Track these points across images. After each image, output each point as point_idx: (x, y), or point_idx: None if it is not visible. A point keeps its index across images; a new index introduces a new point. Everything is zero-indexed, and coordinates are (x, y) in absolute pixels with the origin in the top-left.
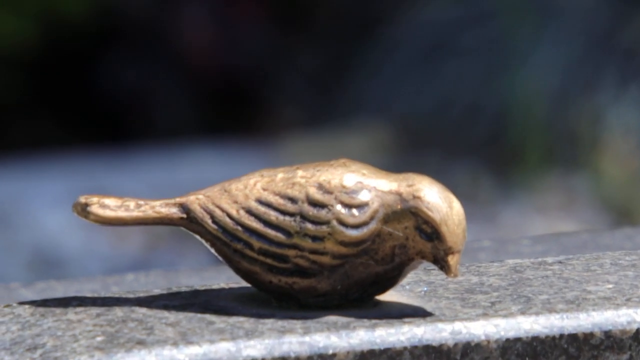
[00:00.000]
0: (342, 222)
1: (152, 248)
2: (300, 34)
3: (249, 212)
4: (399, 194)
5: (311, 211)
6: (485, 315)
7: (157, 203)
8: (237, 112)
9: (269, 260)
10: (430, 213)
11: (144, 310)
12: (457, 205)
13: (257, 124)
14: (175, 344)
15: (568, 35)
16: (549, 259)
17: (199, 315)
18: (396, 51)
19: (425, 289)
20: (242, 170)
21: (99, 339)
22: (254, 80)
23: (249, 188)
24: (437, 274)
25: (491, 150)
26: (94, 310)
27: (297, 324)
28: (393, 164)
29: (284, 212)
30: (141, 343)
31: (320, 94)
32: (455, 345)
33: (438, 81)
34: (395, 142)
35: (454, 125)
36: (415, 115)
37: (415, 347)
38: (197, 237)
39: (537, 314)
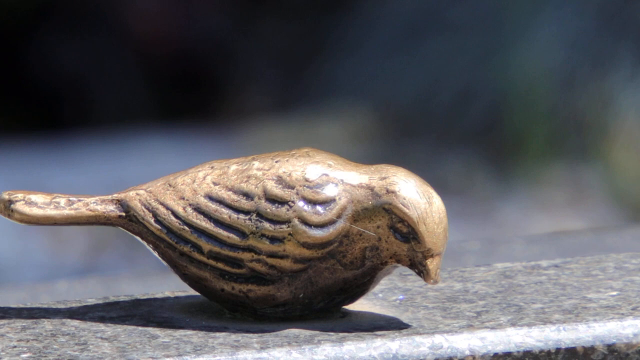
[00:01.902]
0: (304, 221)
1: (97, 252)
2: (266, 6)
3: (198, 209)
4: (371, 188)
5: (269, 208)
6: (470, 327)
7: (92, 200)
8: (194, 96)
9: (220, 265)
10: (406, 210)
11: (76, 322)
12: (437, 201)
13: (217, 110)
14: None
15: (575, 6)
16: (544, 263)
17: (140, 328)
18: (377, 26)
19: (401, 297)
20: (199, 162)
21: (24, 356)
22: (212, 60)
23: (198, 182)
24: (414, 280)
25: (487, 139)
26: (19, 323)
27: (253, 337)
28: (373, 156)
29: (237, 210)
30: None
31: (289, 75)
32: None
33: (425, 61)
34: (375, 131)
35: (443, 111)
36: (398, 99)
37: None
38: (138, 238)
39: (529, 325)
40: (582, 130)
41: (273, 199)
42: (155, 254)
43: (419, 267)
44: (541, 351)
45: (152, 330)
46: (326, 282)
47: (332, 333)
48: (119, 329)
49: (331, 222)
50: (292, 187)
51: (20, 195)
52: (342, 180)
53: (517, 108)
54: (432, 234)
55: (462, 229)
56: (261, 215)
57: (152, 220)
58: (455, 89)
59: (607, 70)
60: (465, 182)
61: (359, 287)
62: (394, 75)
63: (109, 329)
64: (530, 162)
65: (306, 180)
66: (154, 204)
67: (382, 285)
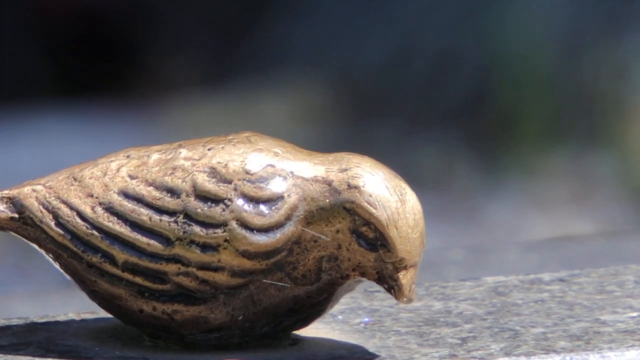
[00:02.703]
0: (244, 224)
1: None
2: None
3: (110, 209)
4: (328, 183)
5: (200, 208)
6: (453, 357)
7: None
8: (104, 65)
9: (139, 280)
10: (372, 210)
11: None
12: (411, 199)
13: (134, 83)
14: None
15: None
16: (546, 276)
17: (38, 359)
18: None
19: (367, 320)
20: (111, 149)
21: None
22: (128, 20)
23: (110, 175)
24: (383, 299)
25: (471, 119)
26: None
27: None
28: (330, 141)
29: (160, 210)
30: None
31: (224, 41)
32: None
33: (394, 21)
34: (332, 110)
35: (417, 83)
36: (361, 70)
37: None
38: (35, 246)
39: (528, 355)
40: (590, 108)
41: (205, 197)
42: (57, 265)
43: (389, 281)
44: None
45: None
46: (272, 301)
47: None
48: None
49: (278, 226)
50: (229, 182)
51: None
52: (291, 173)
53: (509, 80)
54: (406, 240)
55: (443, 233)
56: (190, 217)
57: (52, 224)
58: (432, 55)
59: (621, 33)
60: (446, 174)
61: (314, 307)
62: (355, 39)
63: None
64: (526, 149)
65: (246, 172)
66: (55, 202)
67: (342, 304)
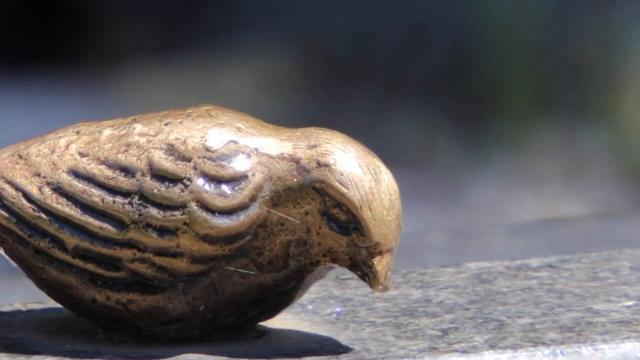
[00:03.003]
0: (205, 205)
1: None
2: None
3: (59, 190)
4: (296, 161)
5: (156, 188)
6: (433, 350)
7: None
8: (49, 32)
9: (90, 267)
10: (344, 190)
11: None
12: (387, 178)
13: (82, 51)
14: None
15: None
16: (534, 261)
17: None
18: None
19: (339, 309)
20: (59, 122)
21: None
22: None
23: (59, 152)
24: (356, 287)
25: (452, 90)
26: None
27: None
28: (297, 114)
29: (113, 191)
30: None
31: (181, 7)
32: None
33: None
34: (299, 80)
35: (393, 51)
36: (331, 36)
37: None
38: None
39: (514, 347)
40: (579, 78)
41: (162, 176)
42: (1, 251)
43: (362, 268)
44: None
45: None
46: (236, 290)
47: None
48: None
49: (242, 207)
50: (188, 159)
51: None
52: (256, 150)
53: (493, 47)
54: (381, 222)
55: (422, 215)
56: (146, 198)
57: None
58: (409, 21)
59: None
60: (425, 150)
61: (281, 296)
62: (324, 2)
63: None
64: (512, 122)
65: (207, 149)
66: None
67: (312, 293)
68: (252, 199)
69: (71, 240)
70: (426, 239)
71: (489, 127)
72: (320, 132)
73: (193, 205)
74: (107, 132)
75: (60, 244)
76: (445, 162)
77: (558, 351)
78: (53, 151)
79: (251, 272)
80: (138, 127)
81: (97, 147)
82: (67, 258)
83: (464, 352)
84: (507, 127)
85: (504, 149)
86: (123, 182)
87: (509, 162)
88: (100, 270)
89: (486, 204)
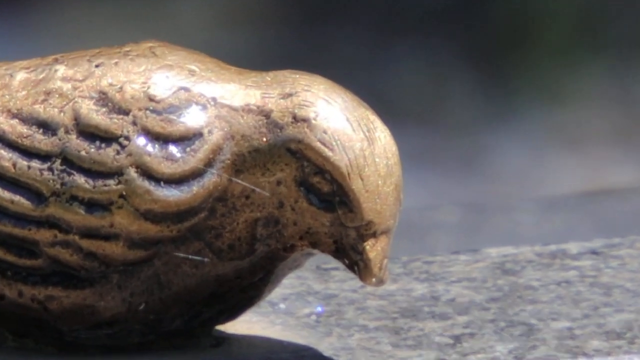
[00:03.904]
0: (147, 173)
1: None
2: None
3: None
4: (266, 114)
5: (85, 150)
6: None
7: None
8: None
9: None
10: (328, 153)
11: None
12: (383, 137)
13: None
14: None
15: None
16: (574, 247)
17: None
18: None
19: (320, 310)
20: None
21: None
22: None
23: None
24: (343, 279)
25: (468, 22)
26: None
27: None
28: (268, 52)
29: (28, 153)
30: None
31: None
32: None
33: None
34: (272, 8)
35: None
36: None
37: None
38: None
39: (548, 359)
40: (631, 8)
41: (92, 133)
42: None
43: (351, 254)
44: None
45: None
46: (186, 283)
47: None
48: None
49: (194, 175)
50: (126, 112)
51: None
52: (214, 100)
53: None
54: (375, 195)
55: (429, 185)
56: (71, 163)
57: None
58: None
59: None
60: (433, 101)
61: (245, 291)
62: None
63: None
64: (545, 66)
65: (150, 99)
66: None
67: (285, 288)
68: (208, 163)
69: None
70: (434, 216)
71: (516, 70)
72: (297, 76)
73: (132, 172)
74: (20, 75)
75: None
76: (459, 116)
77: None
78: None
79: (206, 260)
80: (61, 70)
81: (7, 96)
82: None
83: None
84: (539, 71)
85: (536, 99)
86: (41, 141)
87: (542, 116)
88: (10, 257)
89: (512, 172)
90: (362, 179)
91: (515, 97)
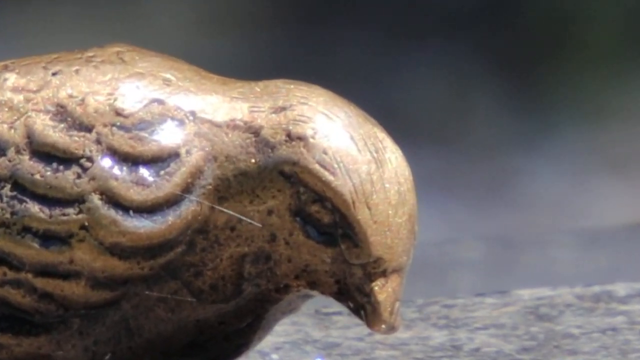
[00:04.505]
0: (113, 199)
1: None
2: None
3: None
4: (254, 132)
5: (39, 173)
6: None
7: None
8: None
9: None
10: (329, 177)
11: None
12: (394, 158)
13: None
14: None
15: None
16: (622, 288)
17: None
18: None
19: None
20: None
21: None
22: None
23: None
24: (347, 326)
25: (495, 25)
26: None
27: None
28: (258, 59)
29: None
30: None
31: None
32: None
33: None
34: (265, 9)
35: None
36: None
37: None
38: None
39: None
40: None
41: (48, 153)
42: None
43: (357, 296)
44: None
45: None
46: (160, 330)
47: None
48: None
49: (170, 202)
50: (89, 129)
51: None
52: (192, 114)
53: None
54: (385, 227)
55: (449, 216)
56: (23, 188)
57: None
58: None
59: None
60: (453, 117)
61: (231, 339)
62: None
63: None
64: (587, 74)
65: (117, 113)
66: None
67: (279, 336)
68: (186, 189)
69: None
70: (455, 252)
71: (552, 81)
72: (293, 87)
73: (95, 199)
74: None
75: None
76: (484, 135)
77: None
78: None
79: (185, 299)
80: (11, 79)
81: None
82: None
83: None
84: (579, 83)
85: (575, 115)
86: None
87: (582, 136)
88: None
89: (547, 200)
90: (369, 208)
91: (551, 113)
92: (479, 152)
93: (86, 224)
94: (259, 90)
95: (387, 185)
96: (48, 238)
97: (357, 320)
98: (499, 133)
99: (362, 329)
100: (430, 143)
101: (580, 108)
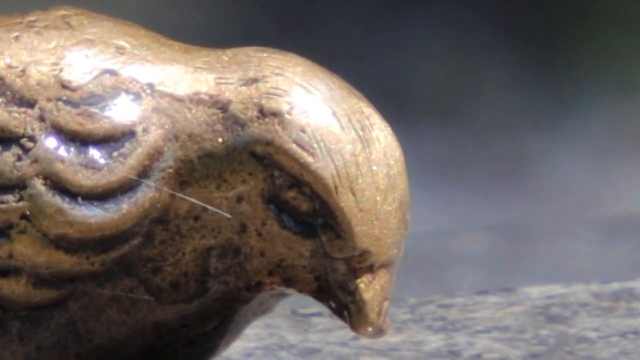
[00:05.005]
0: (59, 185)
1: None
2: None
3: None
4: (222, 107)
5: None
6: None
7: None
8: None
9: None
10: (308, 158)
11: None
12: (383, 137)
13: None
14: None
15: None
16: None
17: None
18: None
19: None
20: None
21: None
22: None
23: None
24: (329, 329)
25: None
26: None
27: None
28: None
29: None
30: None
31: None
32: None
33: None
34: None
35: None
36: None
37: None
38: None
39: None
40: None
41: None
42: None
43: (339, 295)
44: None
45: None
46: (113, 334)
47: None
48: None
49: (124, 188)
50: (31, 104)
51: None
52: (150, 87)
53: None
54: (372, 215)
55: (450, 204)
56: None
57: None
58: None
59: None
60: (457, 94)
61: (194, 345)
62: None
63: None
64: (610, 48)
65: (63, 85)
66: None
67: (249, 340)
68: (143, 173)
69: None
70: (455, 244)
71: (573, 52)
72: (265, 55)
73: (38, 185)
74: None
75: None
76: (495, 114)
77: None
78: None
79: (141, 298)
80: None
81: None
82: None
83: None
84: (605, 54)
85: (600, 92)
86: None
87: (607, 115)
88: None
89: (565, 187)
90: (354, 194)
91: (572, 88)
92: (487, 132)
93: (28, 213)
94: (226, 59)
95: (374, 168)
96: None
97: (339, 323)
98: (511, 111)
99: (345, 332)
100: (431, 122)
101: (606, 82)
